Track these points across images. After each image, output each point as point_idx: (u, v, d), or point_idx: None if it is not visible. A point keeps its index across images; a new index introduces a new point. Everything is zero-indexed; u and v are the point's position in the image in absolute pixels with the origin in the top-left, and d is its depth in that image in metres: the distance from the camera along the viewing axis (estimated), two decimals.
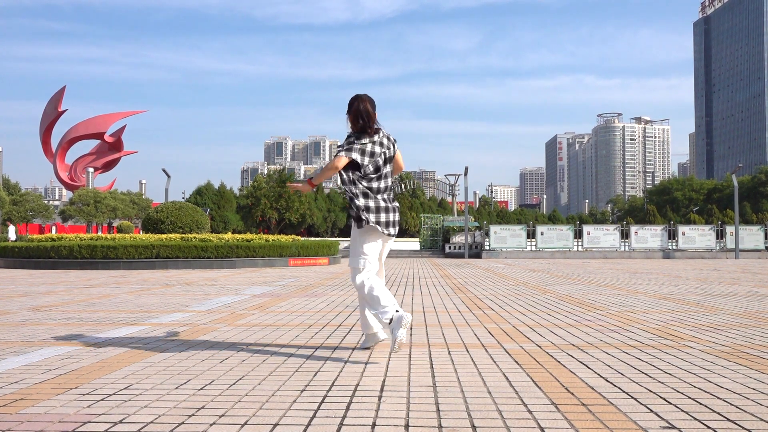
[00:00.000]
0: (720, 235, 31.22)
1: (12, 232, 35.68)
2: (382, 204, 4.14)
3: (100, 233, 39.05)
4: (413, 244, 43.39)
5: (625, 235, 31.03)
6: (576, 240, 31.13)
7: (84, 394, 3.14)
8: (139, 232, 35.86)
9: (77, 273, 15.16)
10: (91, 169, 62.93)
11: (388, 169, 4.24)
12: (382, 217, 4.12)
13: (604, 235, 30.82)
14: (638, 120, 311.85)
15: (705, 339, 4.88)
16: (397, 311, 3.92)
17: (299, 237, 23.24)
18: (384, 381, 3.42)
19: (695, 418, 2.73)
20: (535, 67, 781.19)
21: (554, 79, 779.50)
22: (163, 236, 18.68)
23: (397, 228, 4.19)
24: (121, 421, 2.70)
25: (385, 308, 3.95)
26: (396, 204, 4.34)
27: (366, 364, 3.89)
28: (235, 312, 6.80)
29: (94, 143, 69.76)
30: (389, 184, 4.24)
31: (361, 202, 4.08)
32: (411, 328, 5.46)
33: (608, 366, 3.84)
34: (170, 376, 3.54)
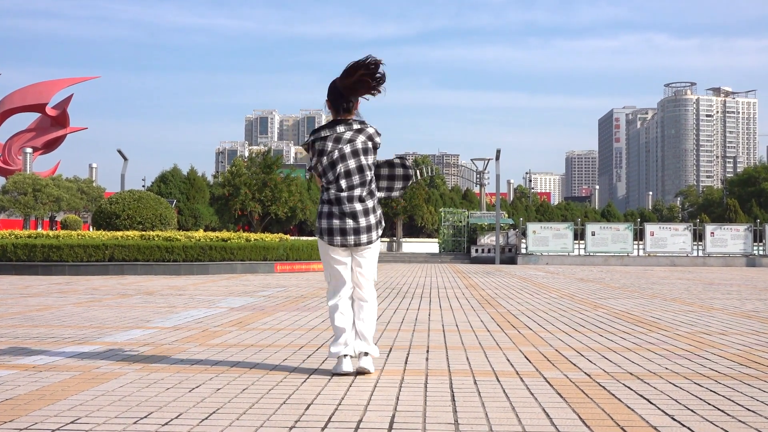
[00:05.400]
0: None
1: None
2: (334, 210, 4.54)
3: (40, 230, 39.32)
4: (431, 245, 43.44)
5: (698, 236, 30.95)
6: (636, 242, 31.09)
7: (21, 430, 3.17)
8: (89, 229, 36.08)
9: (11, 279, 15.27)
10: (29, 150, 63.32)
11: (352, 164, 4.48)
12: (324, 223, 4.61)
13: (671, 237, 30.75)
14: (717, 91, 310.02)
15: None
16: (345, 355, 4.43)
17: (288, 236, 23.33)
18: (393, 417, 3.43)
19: None
20: (590, 23, 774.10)
21: (614, 38, 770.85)
22: (119, 234, 18.79)
23: (356, 237, 4.54)
24: None
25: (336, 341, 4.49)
26: (355, 205, 4.52)
27: (371, 394, 3.91)
28: (207, 329, 6.84)
29: (33, 117, 70.18)
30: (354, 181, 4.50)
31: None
32: (428, 352, 5.48)
33: (675, 401, 3.84)
34: (127, 408, 3.58)
